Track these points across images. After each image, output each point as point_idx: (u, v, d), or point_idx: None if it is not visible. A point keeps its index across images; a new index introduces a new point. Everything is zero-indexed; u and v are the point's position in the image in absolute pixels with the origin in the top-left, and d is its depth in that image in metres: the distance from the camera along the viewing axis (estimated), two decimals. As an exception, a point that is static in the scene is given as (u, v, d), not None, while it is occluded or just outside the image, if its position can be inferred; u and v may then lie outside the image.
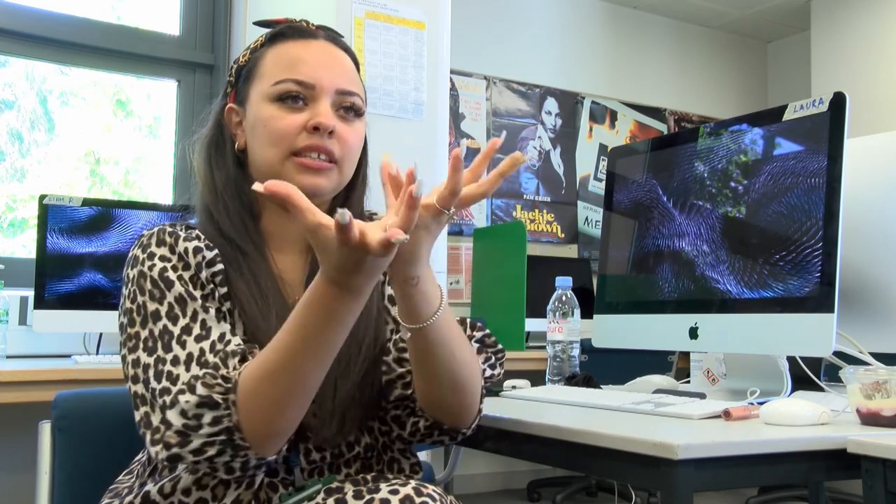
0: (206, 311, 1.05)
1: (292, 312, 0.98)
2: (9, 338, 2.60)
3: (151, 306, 1.05)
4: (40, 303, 2.49)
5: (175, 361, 1.02)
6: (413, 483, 0.98)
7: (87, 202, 2.58)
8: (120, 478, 1.21)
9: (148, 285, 1.06)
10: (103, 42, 3.18)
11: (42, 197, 2.52)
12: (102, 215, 2.58)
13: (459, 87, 4.64)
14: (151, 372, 1.02)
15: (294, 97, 1.13)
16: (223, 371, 0.99)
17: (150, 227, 1.15)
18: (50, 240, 2.50)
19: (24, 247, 3.23)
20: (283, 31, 1.19)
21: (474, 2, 4.67)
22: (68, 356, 2.62)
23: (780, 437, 1.09)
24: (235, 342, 1.04)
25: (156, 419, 1.00)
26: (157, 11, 3.41)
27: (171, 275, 1.07)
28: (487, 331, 1.23)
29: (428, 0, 2.86)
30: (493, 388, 1.57)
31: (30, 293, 2.56)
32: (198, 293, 1.07)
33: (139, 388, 1.03)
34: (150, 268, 1.07)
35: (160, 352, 1.03)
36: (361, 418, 1.15)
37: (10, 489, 2.73)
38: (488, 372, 1.21)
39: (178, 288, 1.06)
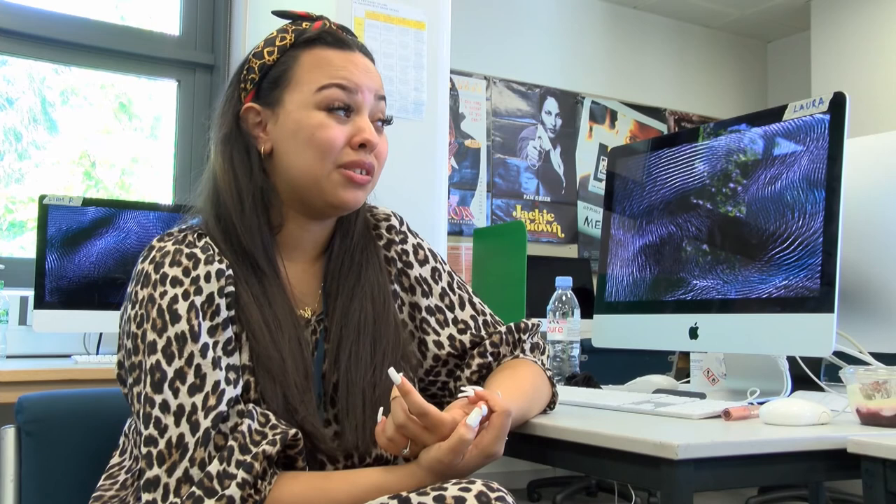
0: (203, 354, 1.02)
1: (361, 477, 1.01)
2: (9, 338, 2.60)
3: (151, 336, 1.03)
4: (40, 303, 2.49)
5: (164, 408, 1.00)
6: (481, 481, 0.97)
7: (87, 202, 2.58)
8: (102, 483, 1.16)
9: (154, 313, 1.03)
10: (103, 42, 3.18)
11: (42, 197, 2.51)
12: (102, 215, 2.58)
13: (459, 87, 4.64)
14: (144, 409, 1.01)
15: (339, 108, 1.12)
16: (258, 479, 0.97)
17: (161, 237, 1.10)
18: (50, 240, 2.50)
19: (23, 248, 3.23)
20: (319, 37, 1.16)
21: (474, 2, 4.66)
22: (68, 356, 2.62)
23: (780, 437, 1.09)
24: (230, 393, 1.02)
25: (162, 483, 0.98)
26: (157, 11, 3.41)
27: (181, 305, 1.03)
28: (531, 326, 1.30)
29: (428, 0, 2.86)
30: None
31: (30, 293, 2.56)
32: (206, 324, 1.04)
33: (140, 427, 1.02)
34: (162, 294, 1.04)
35: (148, 389, 1.01)
36: None
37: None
38: (549, 373, 1.29)
39: (183, 324, 1.02)
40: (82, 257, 2.54)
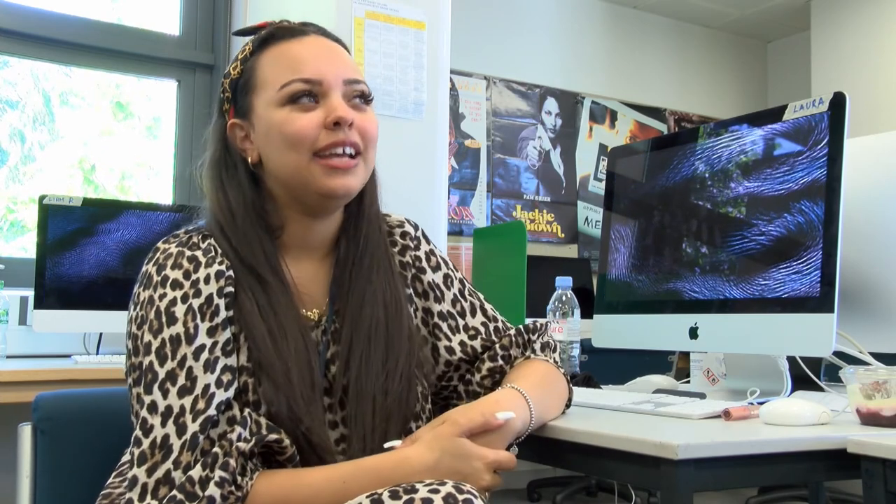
0: (196, 357, 1.02)
1: (348, 472, 1.01)
2: (9, 338, 2.60)
3: (147, 337, 1.03)
4: (40, 303, 2.49)
5: (152, 408, 0.99)
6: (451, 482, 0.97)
7: (87, 202, 2.58)
8: (111, 481, 1.18)
9: (152, 315, 1.04)
10: (103, 42, 3.18)
11: (42, 197, 2.51)
12: (102, 215, 2.58)
13: (459, 87, 4.64)
14: (134, 410, 1.02)
15: (305, 96, 1.11)
16: (237, 475, 0.97)
17: (167, 239, 1.10)
18: (50, 240, 2.50)
19: (24, 249, 3.22)
20: (271, 34, 1.15)
21: (474, 2, 4.66)
22: (68, 356, 2.62)
23: (780, 437, 1.09)
24: (221, 397, 1.01)
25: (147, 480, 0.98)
26: (157, 11, 3.41)
27: (179, 308, 1.03)
28: (540, 327, 1.29)
29: (428, 0, 2.86)
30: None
31: (30, 293, 2.56)
32: (204, 325, 1.03)
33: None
34: (161, 297, 1.04)
35: (141, 389, 1.01)
36: (399, 430, 1.14)
37: (8, 490, 2.73)
38: (562, 370, 1.28)
39: (179, 327, 1.02)
40: (82, 257, 2.54)
